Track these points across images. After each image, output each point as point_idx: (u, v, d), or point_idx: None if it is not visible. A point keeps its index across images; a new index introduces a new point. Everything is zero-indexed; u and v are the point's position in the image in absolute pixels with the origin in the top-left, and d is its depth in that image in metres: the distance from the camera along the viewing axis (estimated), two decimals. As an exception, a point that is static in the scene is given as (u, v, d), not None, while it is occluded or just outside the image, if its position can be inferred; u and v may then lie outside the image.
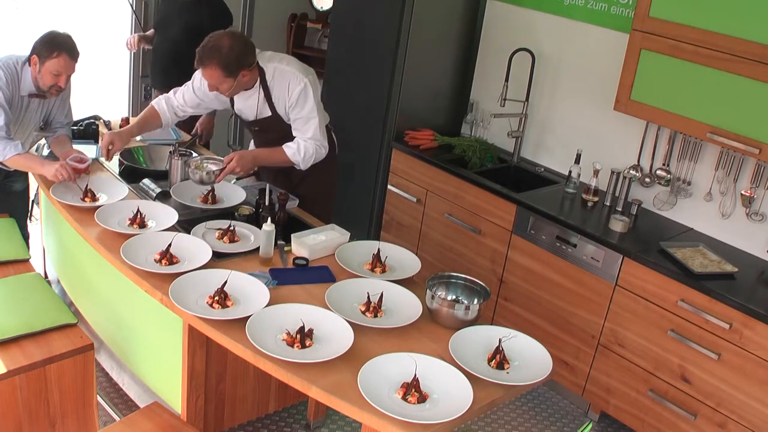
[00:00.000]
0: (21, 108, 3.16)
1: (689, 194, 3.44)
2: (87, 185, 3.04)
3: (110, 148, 3.14)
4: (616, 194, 3.59)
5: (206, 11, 4.19)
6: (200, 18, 4.14)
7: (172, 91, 3.32)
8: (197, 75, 3.20)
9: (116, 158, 3.40)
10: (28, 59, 3.07)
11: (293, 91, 3.07)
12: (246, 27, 5.25)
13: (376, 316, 2.45)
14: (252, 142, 3.54)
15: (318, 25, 5.13)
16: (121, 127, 3.76)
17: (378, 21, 4.04)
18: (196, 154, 3.43)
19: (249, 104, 3.19)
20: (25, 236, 3.51)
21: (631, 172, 3.59)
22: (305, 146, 3.13)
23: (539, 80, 3.96)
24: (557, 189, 3.75)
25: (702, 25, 2.98)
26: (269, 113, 3.17)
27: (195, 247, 2.70)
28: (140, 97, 4.88)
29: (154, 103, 3.32)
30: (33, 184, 3.54)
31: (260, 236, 2.76)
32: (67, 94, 3.35)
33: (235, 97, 3.20)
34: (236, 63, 2.92)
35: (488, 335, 2.38)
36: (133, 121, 3.36)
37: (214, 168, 3.12)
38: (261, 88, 3.12)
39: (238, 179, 3.40)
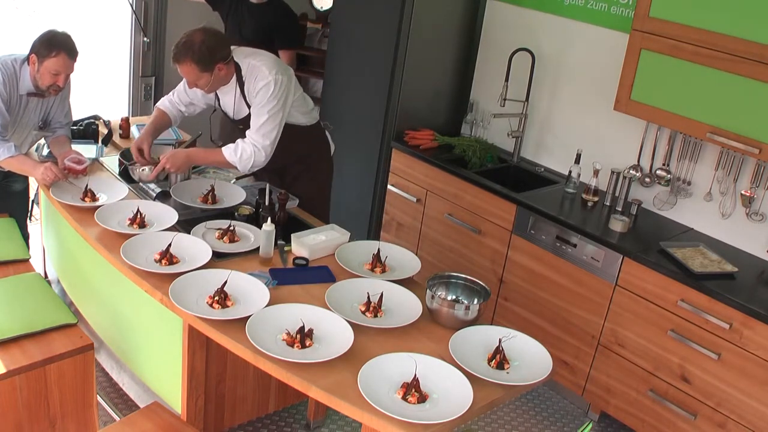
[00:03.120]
0: (19, 107, 3.16)
1: (689, 194, 3.44)
2: (87, 185, 3.04)
3: (140, 154, 3.17)
4: (616, 194, 3.59)
5: (276, 12, 4.37)
6: (270, 19, 4.33)
7: (172, 92, 3.35)
8: None
9: (116, 158, 3.41)
10: (27, 58, 3.07)
11: (257, 84, 3.04)
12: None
13: (376, 316, 2.45)
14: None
15: (318, 25, 5.12)
16: (120, 127, 3.77)
17: (378, 21, 4.04)
18: None
19: (227, 100, 3.20)
20: (25, 236, 3.51)
21: (631, 172, 3.59)
22: (243, 147, 3.06)
23: (539, 80, 3.96)
24: (557, 189, 3.75)
25: (702, 25, 2.98)
26: (247, 111, 3.16)
27: (195, 247, 2.70)
28: (140, 97, 4.88)
29: (158, 104, 3.36)
30: (33, 184, 3.54)
31: (260, 236, 2.76)
32: (66, 94, 3.34)
33: (219, 95, 3.21)
34: (209, 57, 2.92)
35: (488, 335, 2.38)
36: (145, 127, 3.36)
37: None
38: (237, 85, 3.12)
39: (238, 179, 3.40)
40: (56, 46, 3.02)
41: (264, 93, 3.03)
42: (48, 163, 3.07)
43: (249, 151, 3.06)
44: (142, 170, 3.16)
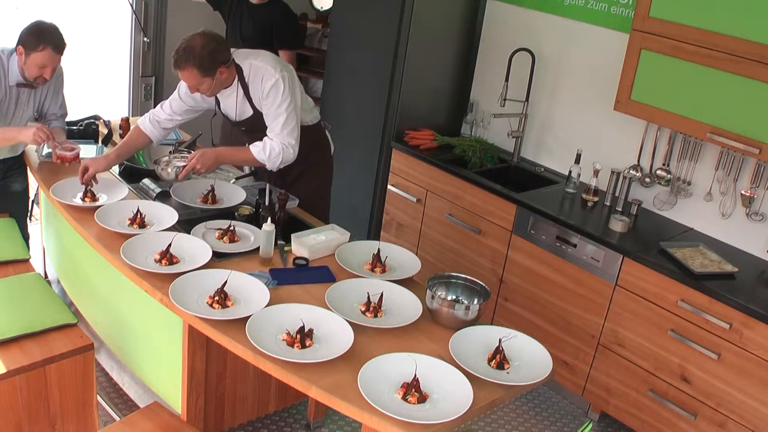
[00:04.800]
0: (10, 98, 3.15)
1: (689, 194, 3.44)
2: (87, 185, 3.04)
3: (85, 172, 3.08)
4: (616, 194, 3.59)
5: (276, 12, 4.38)
6: (270, 19, 4.34)
7: (159, 105, 3.30)
8: (182, 82, 3.18)
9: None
10: (15, 48, 3.07)
11: (265, 84, 3.04)
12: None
13: (376, 316, 2.45)
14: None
15: (318, 25, 5.12)
16: (120, 127, 3.77)
17: (378, 21, 4.04)
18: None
19: (229, 103, 3.19)
20: (25, 236, 3.50)
21: (631, 172, 3.59)
22: (271, 145, 3.08)
23: (539, 80, 3.96)
24: (557, 189, 3.75)
25: (702, 25, 2.98)
26: (251, 112, 3.17)
27: (195, 247, 2.70)
28: (140, 97, 4.88)
29: (139, 122, 3.29)
30: (33, 184, 3.54)
31: (260, 236, 2.76)
32: (59, 86, 3.34)
33: (219, 98, 3.21)
34: (210, 61, 2.91)
35: (488, 335, 2.38)
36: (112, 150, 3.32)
37: (180, 165, 3.13)
38: (240, 87, 3.11)
39: (238, 179, 3.40)
40: (42, 40, 3.01)
41: (275, 92, 3.04)
42: (39, 125, 3.06)
43: (278, 150, 3.07)
44: (171, 169, 3.13)
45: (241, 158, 3.20)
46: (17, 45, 3.05)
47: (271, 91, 3.04)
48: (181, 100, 3.24)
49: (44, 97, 3.30)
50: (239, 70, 3.08)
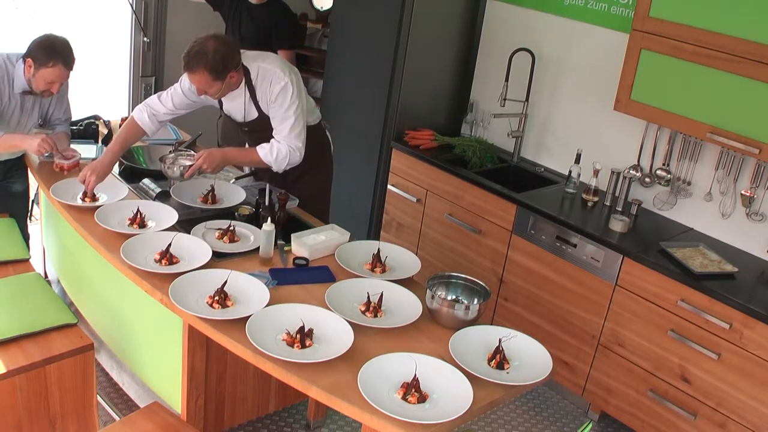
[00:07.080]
0: (15, 105, 3.14)
1: (689, 194, 3.44)
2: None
3: (89, 182, 3.02)
4: (616, 194, 3.59)
5: (275, 13, 4.38)
6: (269, 20, 4.34)
7: (155, 97, 3.24)
8: (185, 77, 3.14)
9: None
10: (23, 58, 3.04)
11: (274, 88, 3.04)
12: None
13: (376, 316, 2.45)
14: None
15: (318, 25, 5.12)
16: (120, 127, 3.76)
17: (378, 21, 4.04)
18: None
19: (235, 105, 3.18)
20: (25, 236, 3.50)
21: (631, 172, 3.59)
22: (278, 147, 3.08)
23: (539, 80, 3.96)
24: (557, 189, 3.75)
25: (702, 25, 2.98)
26: (257, 114, 3.17)
27: (195, 247, 2.70)
28: (140, 97, 4.88)
29: (135, 115, 3.22)
30: (33, 184, 3.54)
31: (260, 236, 2.76)
32: (64, 91, 3.34)
33: (223, 99, 3.20)
34: (223, 65, 2.90)
35: (488, 335, 2.38)
36: (112, 144, 3.20)
37: (186, 163, 3.13)
38: (246, 89, 3.11)
39: (238, 179, 3.40)
40: (53, 56, 2.99)
41: (283, 96, 3.04)
42: (44, 135, 3.06)
43: (284, 152, 3.08)
44: (177, 168, 3.11)
45: (247, 159, 3.21)
46: (26, 56, 3.03)
47: (279, 94, 3.04)
48: (185, 96, 3.21)
49: (49, 103, 3.29)
50: (246, 72, 3.08)
